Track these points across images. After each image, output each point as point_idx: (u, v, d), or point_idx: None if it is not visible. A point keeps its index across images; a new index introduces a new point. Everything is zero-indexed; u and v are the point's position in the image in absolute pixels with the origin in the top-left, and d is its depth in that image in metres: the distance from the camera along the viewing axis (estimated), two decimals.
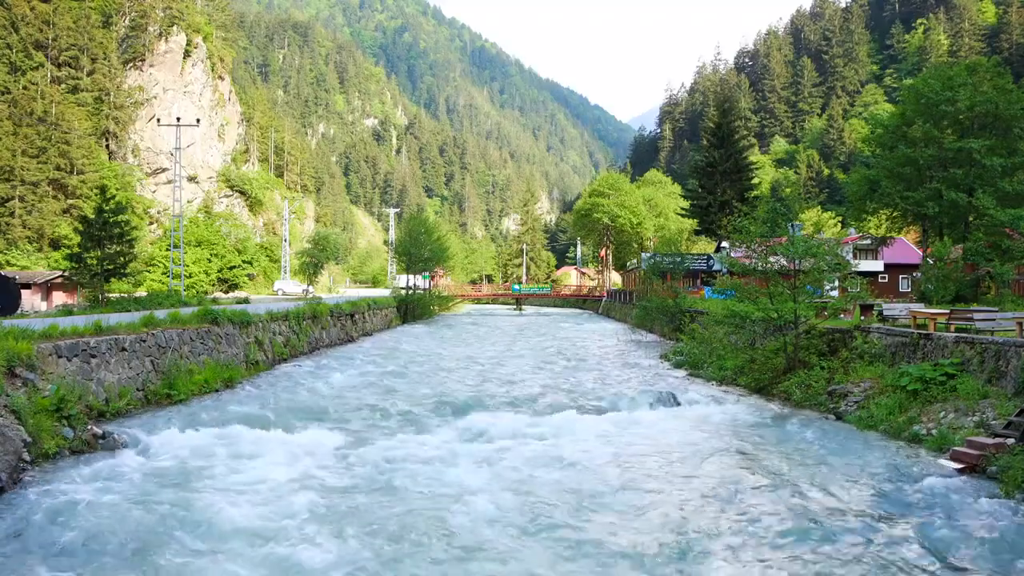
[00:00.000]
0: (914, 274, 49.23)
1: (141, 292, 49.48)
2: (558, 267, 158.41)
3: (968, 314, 18.83)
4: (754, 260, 24.13)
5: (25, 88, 67.20)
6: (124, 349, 18.87)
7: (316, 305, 39.51)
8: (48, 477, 12.33)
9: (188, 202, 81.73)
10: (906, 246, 58.71)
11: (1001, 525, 10.54)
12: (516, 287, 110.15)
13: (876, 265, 57.01)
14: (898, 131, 38.93)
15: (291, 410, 19.24)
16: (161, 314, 23.87)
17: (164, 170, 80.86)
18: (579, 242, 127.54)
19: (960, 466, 12.92)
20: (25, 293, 38.64)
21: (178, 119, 59.74)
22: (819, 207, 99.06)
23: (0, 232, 61.12)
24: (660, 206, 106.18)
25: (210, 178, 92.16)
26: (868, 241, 48.67)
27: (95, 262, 34.91)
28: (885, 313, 22.66)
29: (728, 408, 20.42)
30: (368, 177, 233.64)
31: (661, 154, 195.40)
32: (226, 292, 72.77)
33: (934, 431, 15.15)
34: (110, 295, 36.08)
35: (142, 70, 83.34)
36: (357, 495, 12.13)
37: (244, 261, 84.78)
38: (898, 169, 37.49)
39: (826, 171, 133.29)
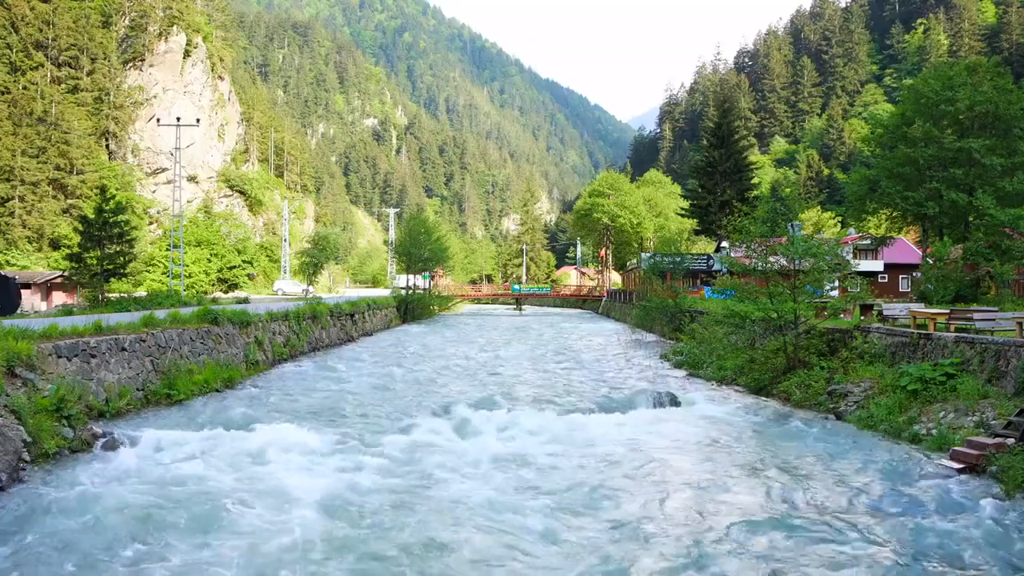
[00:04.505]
0: (914, 274, 49.26)
1: (141, 292, 49.47)
2: (558, 267, 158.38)
3: (968, 314, 18.83)
4: (754, 260, 24.12)
5: (25, 88, 67.20)
6: (124, 349, 18.87)
7: (316, 305, 39.50)
8: (48, 477, 12.33)
9: (188, 202, 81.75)
10: (906, 246, 58.73)
11: (1001, 525, 10.54)
12: (516, 287, 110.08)
13: (876, 265, 57.04)
14: (898, 131, 38.96)
15: (292, 410, 19.24)
16: (161, 314, 23.87)
17: (164, 170, 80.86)
18: (579, 242, 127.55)
19: (960, 466, 12.91)
20: (25, 293, 38.62)
21: (178, 119, 59.75)
22: (819, 207, 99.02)
23: (0, 232, 61.11)
24: (660, 206, 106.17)
25: (210, 178, 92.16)
26: (868, 241, 48.69)
27: (95, 262, 34.89)
28: (885, 313, 22.65)
29: (728, 408, 20.41)
30: (368, 177, 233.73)
31: (661, 154, 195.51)
32: (226, 292, 72.77)
33: (934, 431, 15.14)
34: (110, 295, 36.06)
35: (142, 70, 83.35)
36: (357, 495, 12.12)
37: (244, 261, 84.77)
38: (898, 169, 37.51)
39: (826, 171, 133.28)
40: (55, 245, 62.29)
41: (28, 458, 12.52)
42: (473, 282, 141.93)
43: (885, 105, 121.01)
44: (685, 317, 40.77)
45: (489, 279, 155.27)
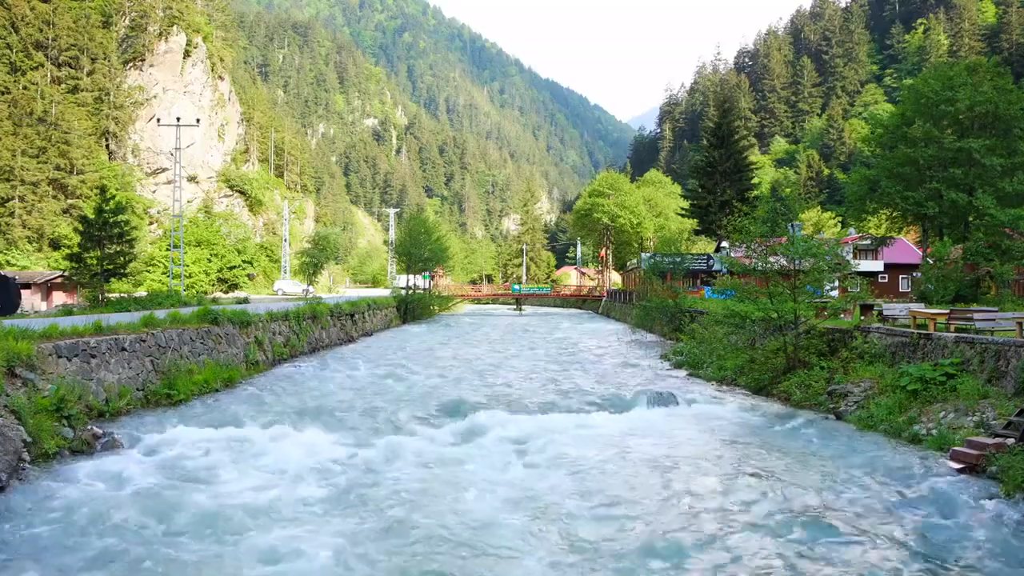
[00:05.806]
0: (914, 274, 49.26)
1: (141, 292, 49.46)
2: (558, 267, 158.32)
3: (968, 314, 18.82)
4: (754, 260, 24.11)
5: (25, 88, 67.20)
6: (124, 349, 18.87)
7: (316, 305, 39.49)
8: (48, 477, 12.33)
9: (188, 202, 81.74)
10: (906, 246, 58.72)
11: (1001, 525, 10.54)
12: (516, 287, 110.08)
13: (876, 265, 57.04)
14: (898, 131, 38.96)
15: (291, 410, 19.23)
16: (161, 314, 23.86)
17: (164, 170, 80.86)
18: (579, 242, 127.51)
19: (960, 466, 12.91)
20: (25, 293, 38.61)
21: (178, 119, 59.75)
22: (819, 207, 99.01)
23: (0, 232, 61.11)
24: (660, 206, 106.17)
25: (210, 178, 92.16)
26: (868, 241, 48.68)
27: (95, 262, 34.89)
28: (885, 313, 22.64)
29: (728, 408, 20.41)
30: (368, 177, 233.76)
31: (661, 154, 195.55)
32: (226, 292, 72.76)
33: (934, 431, 15.14)
34: (110, 295, 36.05)
35: (142, 70, 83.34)
36: (357, 495, 12.12)
37: (244, 261, 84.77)
38: (898, 169, 37.51)
39: (826, 171, 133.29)
40: (55, 245, 62.28)
41: (28, 458, 12.52)
42: (473, 282, 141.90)
43: (885, 105, 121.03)
44: (685, 317, 40.75)
45: (489, 279, 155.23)
